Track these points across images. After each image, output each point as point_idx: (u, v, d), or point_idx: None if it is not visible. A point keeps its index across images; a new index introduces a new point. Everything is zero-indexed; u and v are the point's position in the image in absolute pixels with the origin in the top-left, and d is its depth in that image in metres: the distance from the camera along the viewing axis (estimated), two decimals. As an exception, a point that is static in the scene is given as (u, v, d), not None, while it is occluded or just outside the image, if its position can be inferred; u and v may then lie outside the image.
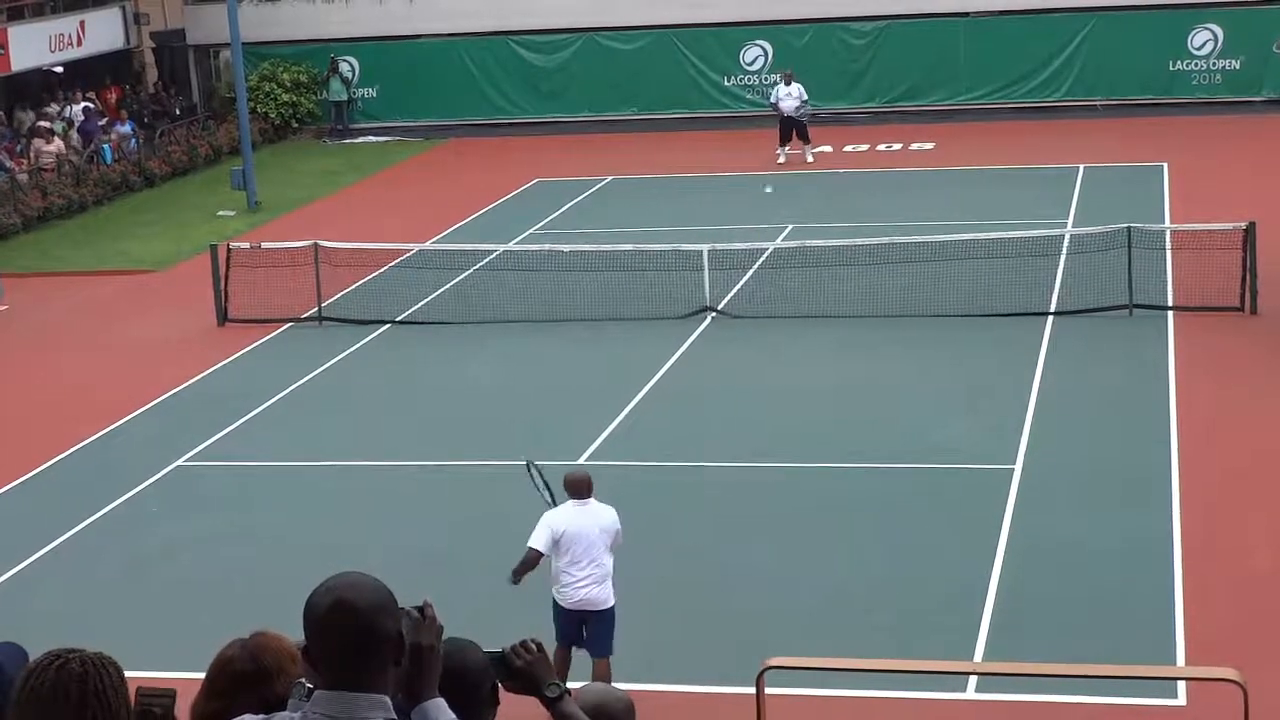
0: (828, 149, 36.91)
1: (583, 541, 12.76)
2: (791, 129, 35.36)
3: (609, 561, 12.85)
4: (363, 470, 18.80)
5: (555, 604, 12.96)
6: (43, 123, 36.88)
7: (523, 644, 4.57)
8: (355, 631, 3.89)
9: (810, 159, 35.50)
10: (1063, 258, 25.05)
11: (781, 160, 35.38)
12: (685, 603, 14.79)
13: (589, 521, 12.83)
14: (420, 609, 4.09)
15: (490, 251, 27.11)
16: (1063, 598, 14.51)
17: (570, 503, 12.96)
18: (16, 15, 39.23)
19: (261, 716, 4.19)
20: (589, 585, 12.76)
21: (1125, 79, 39.93)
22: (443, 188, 35.26)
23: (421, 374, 22.34)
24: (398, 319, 24.67)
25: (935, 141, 37.27)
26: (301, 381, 22.04)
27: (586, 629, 12.88)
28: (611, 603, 12.82)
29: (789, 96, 35.32)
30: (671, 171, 35.48)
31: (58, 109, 38.89)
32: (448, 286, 26.04)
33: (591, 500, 12.99)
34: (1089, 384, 20.35)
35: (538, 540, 12.86)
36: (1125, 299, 22.95)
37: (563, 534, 12.78)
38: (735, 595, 14.91)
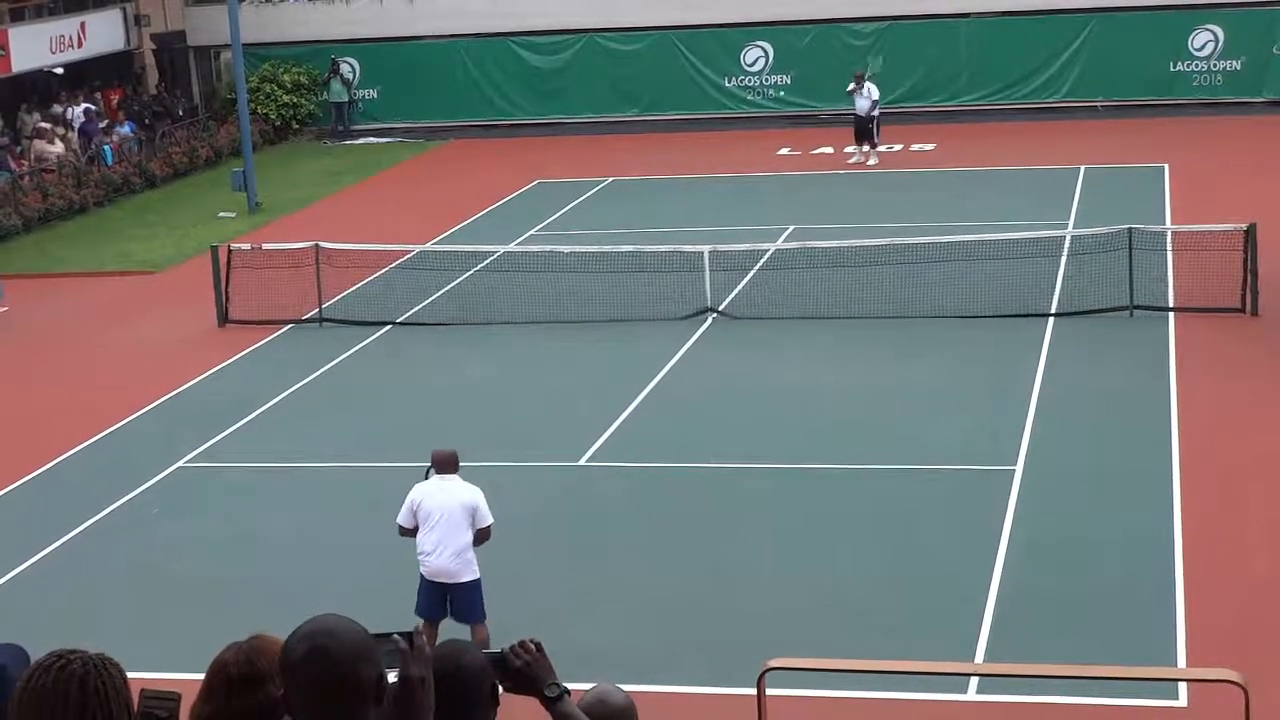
0: (829, 150, 36.91)
1: (440, 513, 13.31)
2: (866, 129, 35.10)
3: (465, 538, 13.34)
4: (363, 471, 18.79)
5: (421, 577, 13.49)
6: (44, 124, 36.90)
7: (521, 644, 4.56)
8: (332, 680, 3.79)
9: (854, 161, 35.17)
10: (1064, 259, 25.06)
11: (873, 161, 35.09)
12: (685, 603, 14.79)
13: (448, 496, 13.36)
14: (409, 636, 3.97)
15: (491, 253, 27.12)
16: (1064, 599, 14.51)
17: (436, 478, 13.50)
18: (18, 16, 39.25)
19: None
20: (446, 557, 13.32)
21: (1126, 80, 39.92)
22: (443, 189, 35.25)
23: (422, 375, 22.34)
24: (399, 320, 24.68)
25: (936, 142, 37.26)
26: (302, 383, 22.05)
27: (451, 602, 13.42)
28: (467, 577, 13.38)
29: (862, 97, 34.95)
30: (672, 172, 35.49)
31: (61, 110, 38.91)
32: (449, 288, 26.05)
33: (455, 477, 13.51)
34: (1090, 385, 20.35)
35: (401, 516, 13.54)
36: (1126, 300, 22.95)
37: (419, 505, 13.39)
38: (735, 595, 14.91)
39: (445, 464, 13.52)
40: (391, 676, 3.94)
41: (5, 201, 32.87)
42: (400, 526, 13.54)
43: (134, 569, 16.38)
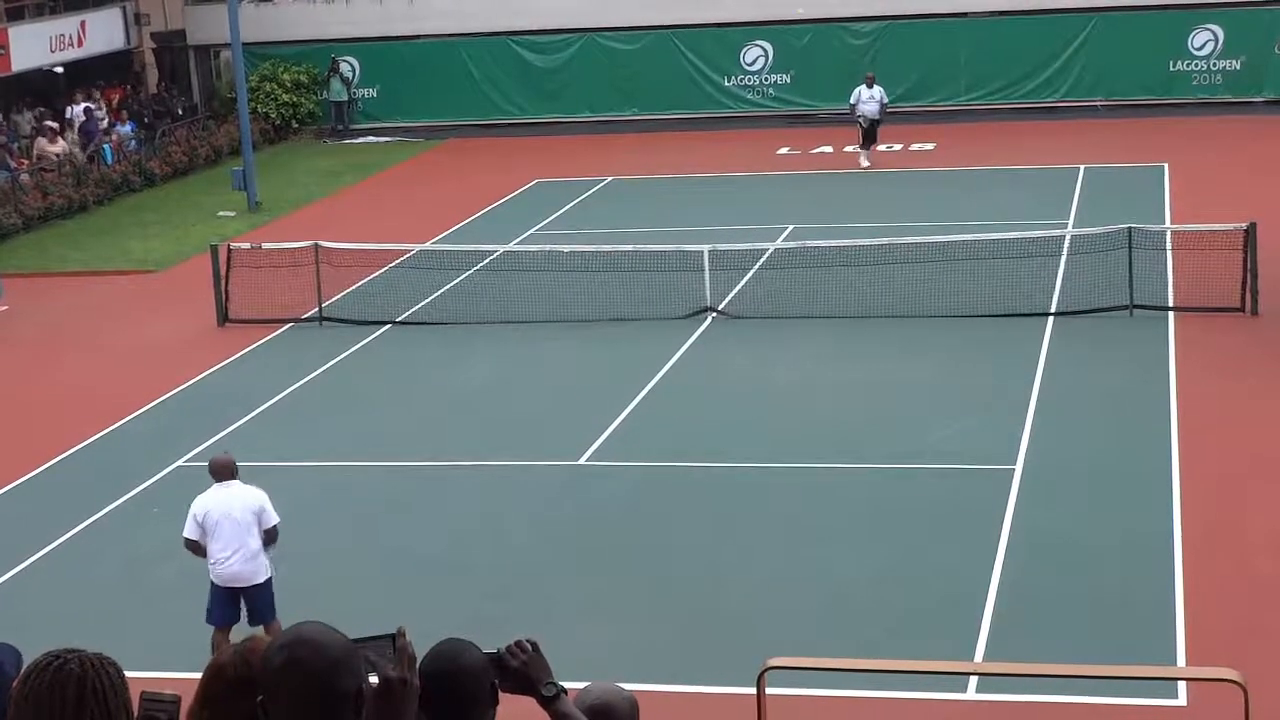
0: (828, 149, 36.91)
1: (226, 521, 13.39)
2: (875, 131, 34.48)
3: (254, 542, 13.45)
4: (363, 470, 18.79)
5: (212, 585, 13.54)
6: (50, 123, 36.92)
7: (518, 644, 4.55)
8: (311, 691, 3.76)
9: (868, 165, 34.56)
10: (1063, 258, 25.05)
11: (866, 165, 34.57)
12: (685, 603, 14.78)
13: (231, 502, 13.45)
14: (392, 638, 3.94)
15: (490, 252, 27.12)
16: (1063, 598, 14.50)
17: (214, 486, 13.58)
18: (17, 15, 39.24)
19: None
20: (236, 562, 13.41)
21: (1126, 79, 39.93)
22: (443, 188, 35.25)
23: (422, 374, 22.34)
24: (398, 319, 24.67)
25: (935, 142, 37.24)
26: (302, 382, 22.05)
27: (246, 604, 13.52)
28: (261, 579, 13.50)
29: (870, 100, 34.44)
30: (672, 172, 35.48)
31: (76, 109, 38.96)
32: (448, 287, 26.05)
33: (235, 482, 13.59)
34: (1090, 384, 20.34)
35: (186, 530, 13.55)
36: (1126, 299, 22.95)
37: (204, 516, 13.46)
38: (735, 595, 14.91)
39: (222, 470, 13.63)
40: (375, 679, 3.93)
41: (5, 200, 32.86)
42: (186, 539, 13.57)
43: (132, 568, 16.38)
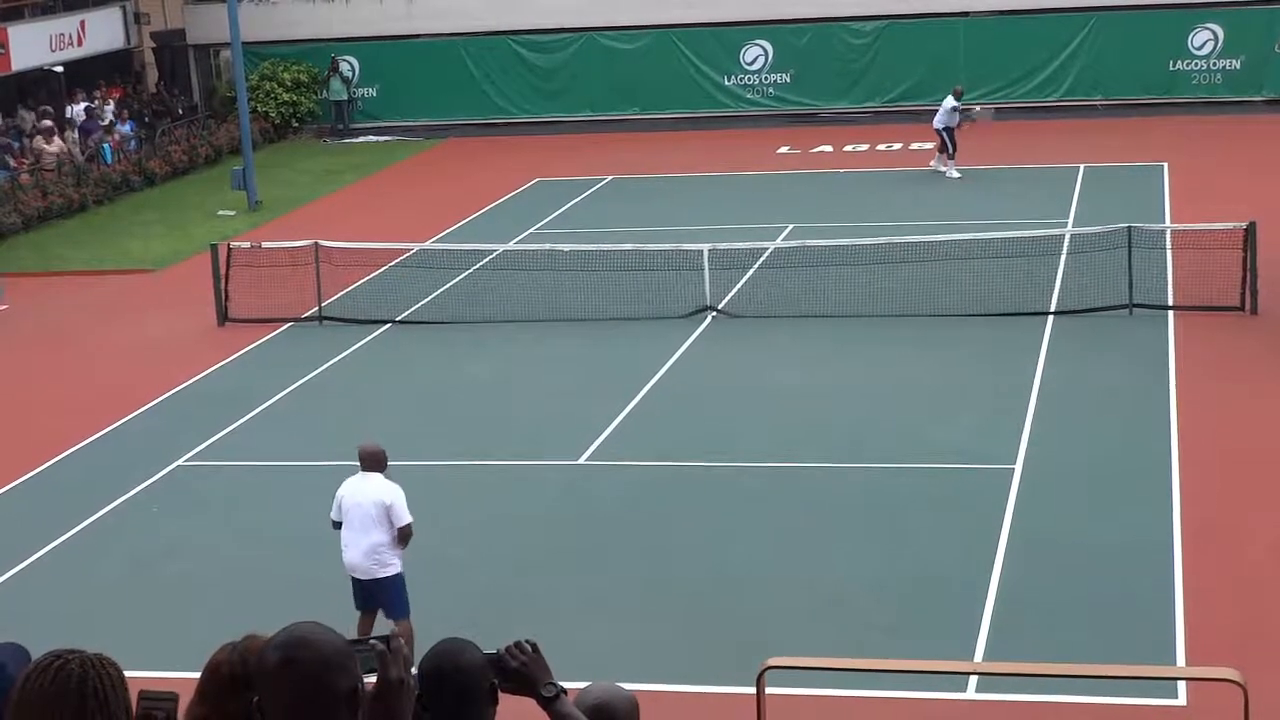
0: (828, 149, 36.90)
1: (353, 510, 13.48)
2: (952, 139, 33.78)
3: (378, 536, 13.43)
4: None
5: None
6: (45, 121, 36.91)
7: (518, 644, 4.55)
8: (305, 690, 3.77)
9: (936, 166, 34.09)
10: (1063, 257, 25.06)
11: (957, 175, 33.71)
12: (685, 603, 14.79)
13: (362, 493, 13.52)
14: (385, 640, 3.96)
15: (490, 251, 27.12)
16: (1063, 598, 14.50)
17: (359, 474, 13.69)
18: (16, 15, 39.24)
19: None
20: (353, 552, 13.47)
21: (1125, 79, 39.93)
22: (443, 187, 35.25)
23: (421, 374, 22.34)
24: (398, 319, 24.67)
25: (935, 141, 37.19)
26: (301, 381, 22.04)
27: (372, 597, 13.55)
28: (381, 574, 13.46)
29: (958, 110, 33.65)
30: (671, 171, 35.49)
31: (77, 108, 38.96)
32: (448, 286, 26.05)
33: (376, 475, 13.61)
34: (1089, 384, 20.35)
35: (332, 511, 13.74)
36: (1125, 299, 22.95)
37: (341, 501, 13.62)
38: (735, 595, 14.91)
39: (366, 460, 13.68)
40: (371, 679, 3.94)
41: (5, 200, 32.85)
42: (331, 520, 13.73)
43: (133, 568, 16.38)
